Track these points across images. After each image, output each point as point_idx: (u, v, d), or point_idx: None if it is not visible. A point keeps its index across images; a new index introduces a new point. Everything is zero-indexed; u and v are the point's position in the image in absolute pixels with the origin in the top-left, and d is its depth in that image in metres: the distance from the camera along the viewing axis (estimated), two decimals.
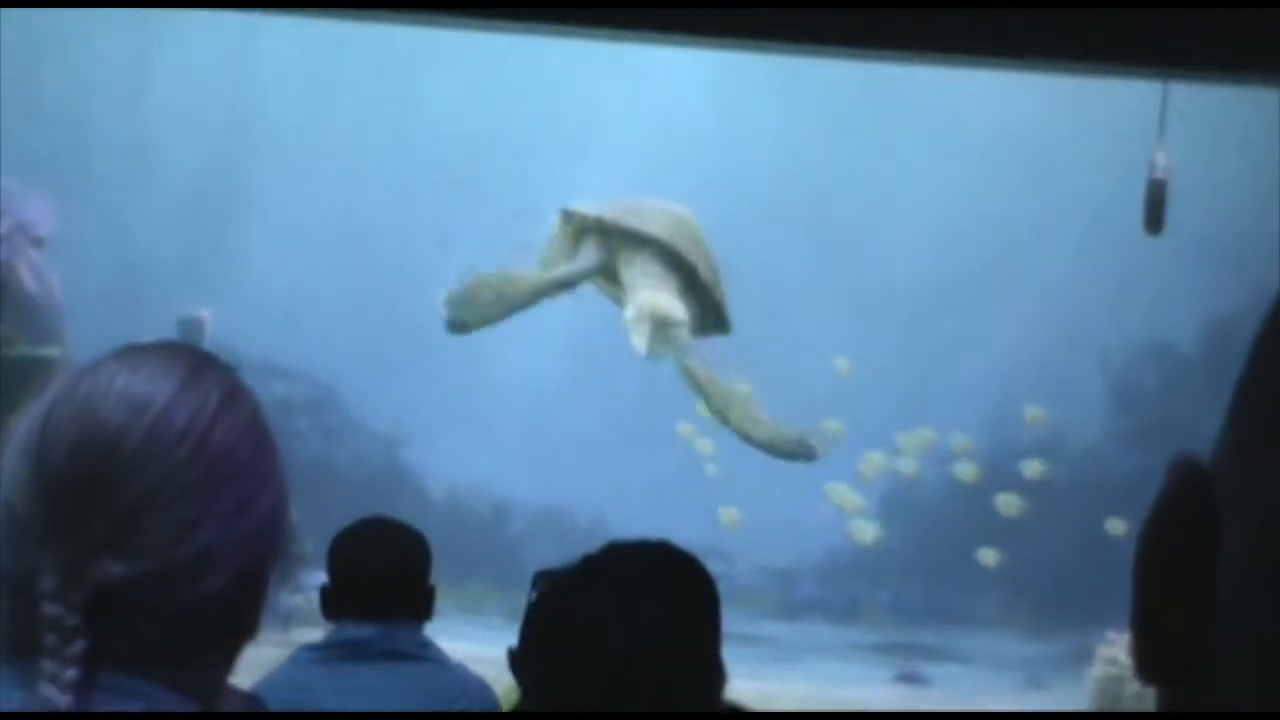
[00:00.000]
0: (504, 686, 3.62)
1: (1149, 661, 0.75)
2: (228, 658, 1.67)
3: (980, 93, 15.75)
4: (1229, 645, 0.71)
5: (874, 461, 15.43)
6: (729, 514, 14.62)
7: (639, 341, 9.78)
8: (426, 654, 3.90)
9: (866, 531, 15.36)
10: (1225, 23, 4.59)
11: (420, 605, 3.97)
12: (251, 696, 1.83)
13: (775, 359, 12.34)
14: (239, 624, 1.65)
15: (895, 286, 17.15)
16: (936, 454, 15.88)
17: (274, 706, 3.69)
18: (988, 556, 15.36)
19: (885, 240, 17.25)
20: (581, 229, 10.22)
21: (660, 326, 9.75)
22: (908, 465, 15.73)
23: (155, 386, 1.61)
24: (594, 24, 4.91)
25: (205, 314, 14.62)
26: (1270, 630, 0.68)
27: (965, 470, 15.65)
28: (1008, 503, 15.24)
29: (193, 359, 1.67)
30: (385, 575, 3.90)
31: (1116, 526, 14.36)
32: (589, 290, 10.57)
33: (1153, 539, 0.74)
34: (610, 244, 10.08)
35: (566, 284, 10.21)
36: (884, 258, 17.21)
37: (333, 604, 3.96)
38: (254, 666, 3.89)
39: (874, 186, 17.26)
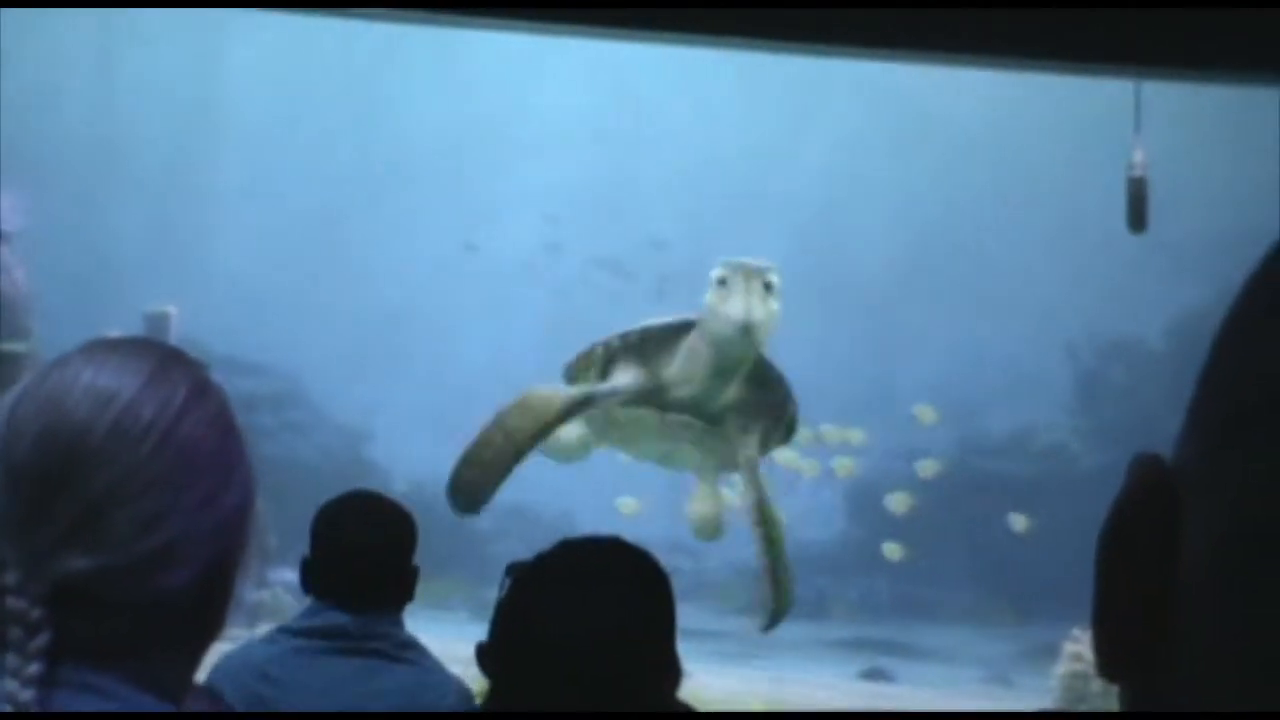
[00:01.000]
0: (478, 684, 3.61)
1: (1110, 659, 0.75)
2: (193, 653, 1.66)
3: (950, 87, 15.78)
4: (1190, 642, 0.71)
5: (796, 463, 15.44)
6: (627, 504, 14.35)
7: (736, 302, 7.81)
8: (406, 655, 3.83)
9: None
10: (1194, 22, 4.61)
11: (402, 588, 3.89)
12: (209, 691, 1.83)
13: None
14: (205, 619, 1.65)
15: (862, 280, 17.17)
16: (903, 450, 15.89)
17: (247, 695, 3.67)
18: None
19: (854, 234, 17.27)
20: (609, 356, 8.81)
21: (753, 278, 7.81)
22: (866, 462, 15.74)
23: (121, 381, 1.61)
24: (574, 23, 4.90)
25: (171, 309, 14.55)
26: (1231, 628, 0.69)
27: (926, 467, 15.63)
28: (909, 498, 15.27)
29: (160, 354, 1.67)
30: (368, 555, 3.81)
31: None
32: (559, 284, 10.06)
33: (1114, 536, 0.74)
34: (647, 354, 8.62)
35: (593, 402, 8.74)
36: (852, 251, 17.24)
37: (312, 578, 3.88)
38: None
39: (843, 180, 17.28)
